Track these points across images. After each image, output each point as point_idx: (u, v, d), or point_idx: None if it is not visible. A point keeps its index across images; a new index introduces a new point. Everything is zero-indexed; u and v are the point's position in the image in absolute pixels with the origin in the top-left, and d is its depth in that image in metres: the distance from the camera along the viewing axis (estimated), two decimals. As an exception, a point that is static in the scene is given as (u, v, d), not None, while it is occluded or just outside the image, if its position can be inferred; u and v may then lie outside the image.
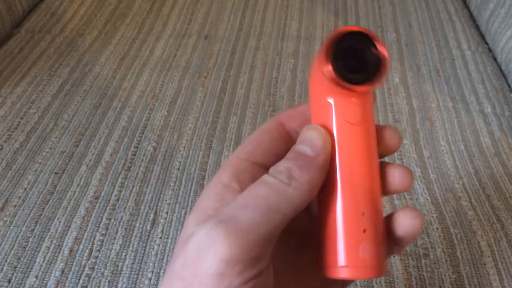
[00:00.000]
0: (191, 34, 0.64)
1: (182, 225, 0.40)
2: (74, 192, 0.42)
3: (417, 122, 0.50)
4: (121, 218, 0.40)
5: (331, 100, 0.21)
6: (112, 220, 0.40)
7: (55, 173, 0.44)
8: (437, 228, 0.40)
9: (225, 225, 0.18)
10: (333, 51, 0.20)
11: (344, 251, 0.21)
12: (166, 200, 0.42)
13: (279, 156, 0.23)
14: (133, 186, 0.43)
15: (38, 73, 0.56)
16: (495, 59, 0.61)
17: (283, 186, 0.19)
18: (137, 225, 0.40)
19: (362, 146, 0.21)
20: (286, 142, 0.23)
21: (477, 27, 0.66)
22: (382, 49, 0.20)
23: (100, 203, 0.41)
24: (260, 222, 0.18)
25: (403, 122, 0.50)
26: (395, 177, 0.22)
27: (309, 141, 0.20)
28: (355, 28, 0.20)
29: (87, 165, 0.45)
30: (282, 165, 0.20)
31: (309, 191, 0.20)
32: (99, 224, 0.40)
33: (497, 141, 0.48)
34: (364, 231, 0.21)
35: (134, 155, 0.46)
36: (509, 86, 0.56)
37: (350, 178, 0.21)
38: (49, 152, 0.46)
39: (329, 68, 0.19)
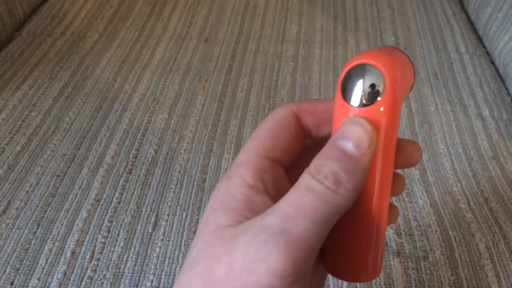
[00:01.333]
0: (192, 37, 0.64)
1: (184, 227, 0.40)
2: (76, 194, 0.43)
3: (416, 125, 0.51)
4: (123, 221, 0.41)
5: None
6: (113, 223, 0.40)
7: (57, 175, 0.44)
8: (436, 231, 0.40)
9: (277, 238, 0.17)
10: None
11: (351, 260, 0.21)
12: (167, 203, 0.42)
13: (295, 154, 0.22)
14: (134, 189, 0.43)
15: (39, 76, 0.57)
16: (493, 62, 0.61)
17: (331, 194, 0.18)
18: (139, 227, 0.40)
19: (385, 156, 0.20)
20: (302, 139, 0.22)
21: (475, 31, 0.67)
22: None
23: (101, 205, 0.42)
24: (310, 234, 0.18)
25: (402, 125, 0.51)
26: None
27: (354, 138, 0.19)
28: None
29: (88, 168, 0.45)
30: (326, 166, 0.18)
31: (355, 197, 0.19)
32: (101, 226, 0.40)
33: (495, 144, 0.48)
34: (373, 240, 0.21)
35: (135, 157, 0.46)
36: (506, 89, 0.57)
37: (372, 188, 0.20)
38: (50, 155, 0.46)
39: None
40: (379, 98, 0.19)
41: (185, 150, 0.48)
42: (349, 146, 0.19)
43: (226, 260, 0.18)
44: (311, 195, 0.18)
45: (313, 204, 0.18)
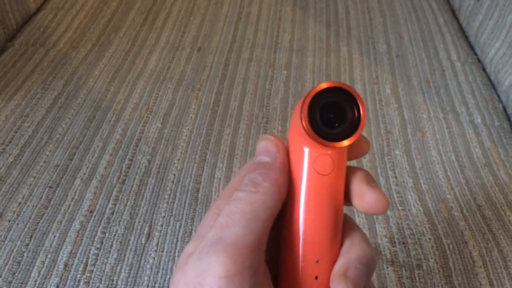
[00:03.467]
0: (185, 46, 0.64)
1: (177, 238, 0.40)
2: (69, 206, 0.42)
3: (408, 133, 0.51)
4: (116, 232, 0.40)
5: (306, 149, 0.21)
6: (106, 234, 0.40)
7: (50, 187, 0.44)
8: (430, 239, 0.40)
9: (215, 247, 0.19)
10: (311, 106, 0.20)
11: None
12: (160, 213, 0.42)
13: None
14: (127, 199, 0.43)
15: (32, 86, 0.57)
16: (484, 69, 0.62)
17: (252, 195, 0.21)
18: (132, 238, 0.40)
19: (327, 195, 0.21)
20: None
21: (466, 38, 0.68)
22: (361, 106, 0.20)
23: (94, 216, 0.41)
24: (243, 234, 0.19)
25: (395, 133, 0.51)
26: (369, 201, 0.22)
27: (264, 150, 0.22)
28: (336, 84, 0.20)
29: (81, 179, 0.45)
30: (246, 178, 0.22)
31: (277, 193, 0.21)
32: (94, 238, 0.40)
33: (487, 151, 0.49)
34: (316, 277, 0.21)
35: (129, 168, 0.46)
36: (498, 96, 0.57)
37: (308, 226, 0.21)
38: (43, 166, 0.46)
39: (305, 123, 0.20)
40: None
41: (178, 160, 0.47)
42: (261, 157, 0.22)
43: (183, 281, 0.20)
44: (237, 202, 0.21)
45: (238, 208, 0.20)
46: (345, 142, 0.20)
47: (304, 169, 0.21)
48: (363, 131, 0.21)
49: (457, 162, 0.48)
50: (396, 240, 0.40)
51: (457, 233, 0.40)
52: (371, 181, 0.22)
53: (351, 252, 0.21)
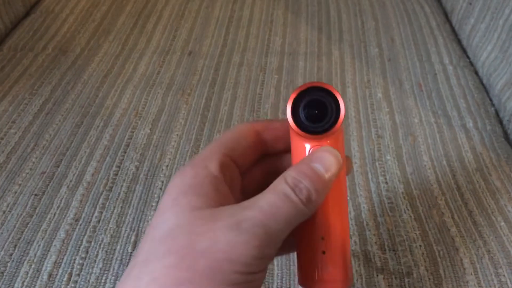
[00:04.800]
0: (175, 50, 0.64)
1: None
2: (54, 214, 0.42)
3: (400, 137, 0.51)
4: (102, 241, 0.40)
5: (304, 143, 0.24)
6: (92, 243, 0.39)
7: (35, 194, 0.43)
8: (420, 246, 0.39)
9: (257, 229, 0.21)
10: (295, 106, 0.23)
11: (304, 269, 0.25)
12: (148, 221, 0.41)
13: (250, 162, 0.27)
14: (114, 207, 0.42)
15: (19, 91, 0.56)
16: (476, 72, 0.62)
17: (302, 206, 0.22)
18: (118, 247, 0.39)
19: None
20: (258, 151, 0.27)
21: (458, 41, 0.67)
22: (340, 102, 0.23)
23: (80, 225, 0.41)
24: (282, 232, 0.22)
25: (386, 138, 0.50)
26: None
27: (327, 165, 0.23)
28: (316, 84, 0.23)
29: (67, 186, 0.44)
30: (302, 183, 0.22)
31: (316, 208, 0.24)
32: (79, 247, 0.39)
33: (478, 156, 0.48)
34: (323, 252, 0.24)
35: (116, 174, 0.46)
36: (490, 100, 0.57)
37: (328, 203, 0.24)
38: (29, 173, 0.45)
39: (291, 122, 0.23)
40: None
41: (167, 166, 0.47)
42: (321, 170, 0.23)
43: (209, 237, 0.21)
44: (288, 202, 0.22)
45: (287, 210, 0.22)
46: (327, 134, 0.23)
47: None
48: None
49: (449, 167, 0.47)
50: (386, 247, 0.39)
51: (448, 239, 0.40)
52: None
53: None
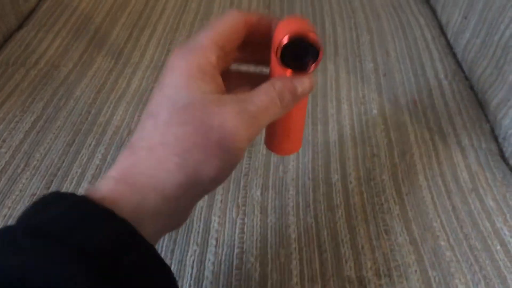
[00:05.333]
0: (169, 65, 0.63)
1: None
2: (45, 238, 0.41)
3: (395, 156, 0.50)
4: (93, 266, 0.39)
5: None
6: (83, 269, 0.39)
7: (25, 218, 0.43)
8: (416, 271, 0.39)
9: (254, 121, 0.27)
10: (283, 50, 0.28)
11: (274, 140, 0.33)
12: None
13: (235, 48, 0.30)
14: (106, 231, 0.42)
15: (10, 108, 0.55)
16: (471, 87, 0.61)
17: (282, 110, 0.28)
18: (109, 273, 0.38)
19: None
20: (249, 42, 0.30)
21: (454, 55, 0.67)
22: (319, 46, 0.28)
23: (71, 250, 0.40)
24: (265, 123, 0.28)
25: (382, 157, 0.50)
26: None
27: (302, 84, 0.29)
28: (302, 35, 0.28)
29: (58, 209, 0.44)
30: (286, 93, 0.28)
31: (286, 111, 0.29)
32: (70, 273, 0.38)
33: (474, 175, 0.48)
34: (288, 135, 0.33)
35: (108, 196, 0.45)
36: (485, 116, 0.57)
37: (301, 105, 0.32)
38: (19, 195, 0.45)
39: (280, 62, 0.28)
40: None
41: (159, 187, 0.46)
42: (299, 88, 0.29)
43: (219, 117, 0.26)
44: (274, 105, 0.28)
45: (273, 110, 0.28)
46: (308, 69, 0.29)
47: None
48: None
49: (444, 187, 0.47)
50: (381, 272, 0.39)
51: (443, 264, 0.40)
52: None
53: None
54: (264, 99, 0.27)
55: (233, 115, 0.26)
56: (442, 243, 0.41)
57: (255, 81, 0.29)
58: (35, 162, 0.48)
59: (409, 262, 0.40)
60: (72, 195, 0.24)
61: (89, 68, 0.62)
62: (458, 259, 0.40)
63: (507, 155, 0.52)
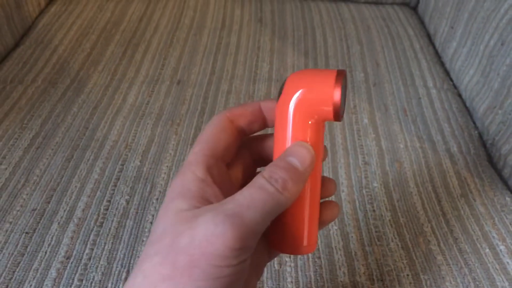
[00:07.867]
0: (164, 79, 0.65)
1: (155, 283, 0.40)
2: (45, 252, 0.42)
3: (386, 163, 0.52)
4: (93, 279, 0.40)
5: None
6: (84, 281, 0.40)
7: (26, 232, 0.44)
8: (408, 275, 0.40)
9: (232, 220, 0.22)
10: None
11: (308, 234, 0.27)
12: (139, 257, 0.42)
13: (234, 151, 0.28)
14: (105, 243, 0.43)
15: (9, 126, 0.56)
16: (459, 95, 0.63)
17: (278, 195, 0.24)
18: (109, 285, 0.39)
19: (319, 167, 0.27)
20: (237, 139, 0.28)
21: (442, 64, 0.69)
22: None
23: (71, 263, 0.41)
24: (257, 221, 0.23)
25: (373, 165, 0.51)
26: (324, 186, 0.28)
27: (300, 156, 0.25)
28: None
29: (58, 223, 0.45)
30: (278, 174, 0.24)
31: (295, 198, 0.25)
32: (71, 286, 0.39)
33: (463, 181, 0.49)
34: (308, 224, 0.27)
35: (107, 209, 0.46)
36: (474, 123, 0.58)
37: (314, 187, 0.27)
38: (20, 210, 0.46)
39: (337, 96, 0.25)
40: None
41: (157, 199, 0.47)
42: (296, 162, 0.25)
43: (188, 234, 0.22)
44: (263, 193, 0.23)
45: (263, 199, 0.23)
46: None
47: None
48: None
49: (434, 193, 0.48)
50: (374, 277, 0.40)
51: (434, 268, 0.41)
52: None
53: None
54: (248, 191, 0.23)
55: (204, 226, 0.22)
56: (433, 247, 0.43)
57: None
58: (35, 178, 0.49)
59: (401, 267, 0.41)
60: None
61: (86, 84, 0.64)
62: (449, 263, 0.41)
63: (495, 160, 0.53)
